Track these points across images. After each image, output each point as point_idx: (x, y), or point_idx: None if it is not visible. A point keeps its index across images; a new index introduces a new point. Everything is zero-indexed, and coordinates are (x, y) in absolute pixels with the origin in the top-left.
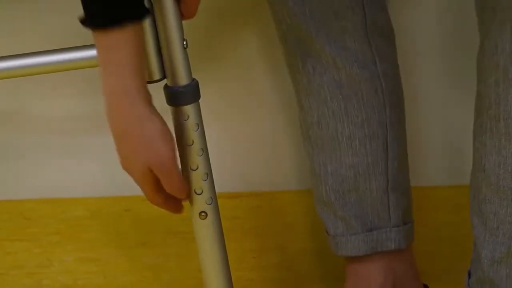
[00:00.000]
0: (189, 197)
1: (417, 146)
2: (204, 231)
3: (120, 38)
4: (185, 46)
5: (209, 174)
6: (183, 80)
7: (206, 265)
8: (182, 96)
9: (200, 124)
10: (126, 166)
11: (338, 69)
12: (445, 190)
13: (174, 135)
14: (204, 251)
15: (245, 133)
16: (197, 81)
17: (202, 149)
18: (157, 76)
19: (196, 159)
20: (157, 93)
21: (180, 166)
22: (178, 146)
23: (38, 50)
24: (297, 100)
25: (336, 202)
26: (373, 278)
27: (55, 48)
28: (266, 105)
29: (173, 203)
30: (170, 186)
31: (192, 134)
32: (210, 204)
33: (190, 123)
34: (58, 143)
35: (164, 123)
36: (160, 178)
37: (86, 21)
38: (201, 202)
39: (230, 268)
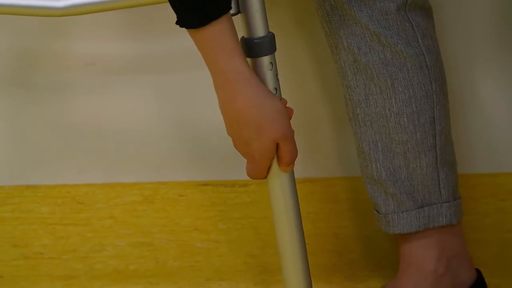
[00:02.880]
0: None
1: (465, 134)
2: (284, 179)
3: (218, 29)
4: None
5: None
6: (263, 31)
7: (280, 217)
8: (268, 45)
9: (277, 73)
10: (243, 148)
11: (383, 47)
12: (493, 178)
13: None
14: (280, 201)
15: (298, 119)
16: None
17: (281, 97)
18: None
19: None
20: None
21: None
22: None
23: None
24: (342, 81)
25: (387, 179)
26: (427, 256)
27: None
28: (318, 90)
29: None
30: (291, 154)
31: (276, 83)
32: None
33: (275, 72)
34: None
35: (280, 99)
36: (284, 149)
37: (179, 23)
38: None
39: None
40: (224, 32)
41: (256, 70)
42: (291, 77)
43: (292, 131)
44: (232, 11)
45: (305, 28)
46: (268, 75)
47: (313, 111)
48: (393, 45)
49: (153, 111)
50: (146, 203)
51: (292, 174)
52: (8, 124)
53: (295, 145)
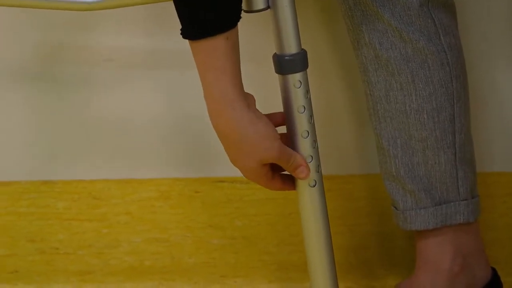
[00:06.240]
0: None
1: (483, 132)
2: (314, 199)
3: (211, 46)
4: None
5: (316, 141)
6: (294, 48)
7: (311, 236)
8: (297, 63)
9: (309, 92)
10: (236, 164)
11: (405, 43)
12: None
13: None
14: (312, 221)
15: (318, 115)
16: (306, 50)
17: (311, 116)
18: (260, 5)
19: (307, 126)
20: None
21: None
22: (288, 115)
23: None
24: (363, 76)
25: (406, 176)
26: (443, 253)
27: None
28: (338, 87)
29: (291, 180)
30: (291, 167)
31: (304, 101)
32: (318, 172)
33: (303, 90)
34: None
35: (266, 123)
36: (280, 164)
37: (181, 31)
38: (312, 170)
39: (297, 251)
40: (217, 49)
41: (284, 87)
42: (311, 73)
43: (286, 153)
44: (261, 6)
45: (327, 23)
46: (295, 93)
47: (333, 108)
48: (414, 41)
49: (170, 107)
50: (162, 199)
51: (321, 186)
52: (25, 119)
53: (291, 158)
